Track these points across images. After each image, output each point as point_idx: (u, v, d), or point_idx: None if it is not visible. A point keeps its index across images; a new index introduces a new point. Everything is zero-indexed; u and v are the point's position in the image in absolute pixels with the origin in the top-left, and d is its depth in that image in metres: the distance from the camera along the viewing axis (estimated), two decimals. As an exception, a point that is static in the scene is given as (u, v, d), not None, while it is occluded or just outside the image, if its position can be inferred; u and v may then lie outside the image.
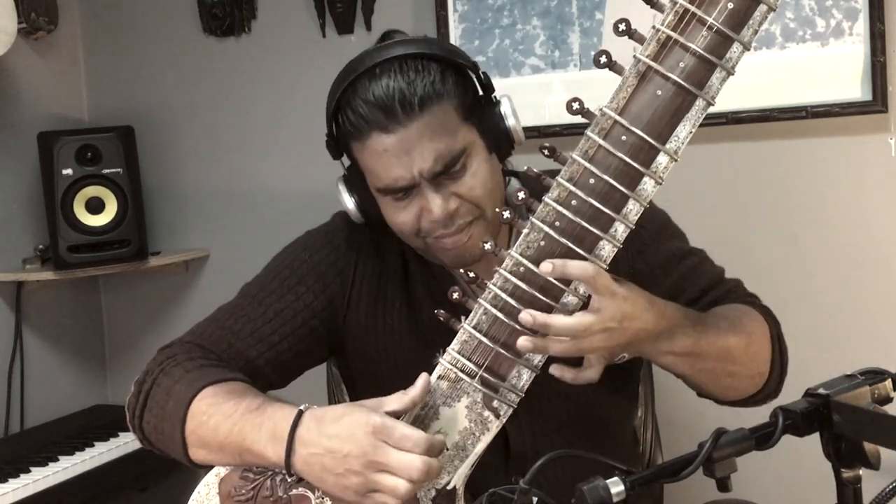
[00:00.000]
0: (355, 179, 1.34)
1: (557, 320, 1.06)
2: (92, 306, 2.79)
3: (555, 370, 1.13)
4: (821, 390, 0.88)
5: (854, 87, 1.98)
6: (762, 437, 0.86)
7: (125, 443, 2.28)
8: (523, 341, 1.08)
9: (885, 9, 1.94)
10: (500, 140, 1.30)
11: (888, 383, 0.90)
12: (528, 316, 1.07)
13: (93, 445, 2.27)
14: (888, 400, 0.90)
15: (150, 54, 2.68)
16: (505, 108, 1.30)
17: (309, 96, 2.48)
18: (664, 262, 1.37)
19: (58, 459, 2.18)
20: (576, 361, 1.15)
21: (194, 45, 2.61)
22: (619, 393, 1.44)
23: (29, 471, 2.11)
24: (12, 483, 2.05)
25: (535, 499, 0.89)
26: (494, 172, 1.31)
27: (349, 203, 1.35)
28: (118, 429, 2.34)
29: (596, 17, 2.17)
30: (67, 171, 2.39)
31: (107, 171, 2.43)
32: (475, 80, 1.31)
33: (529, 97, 2.22)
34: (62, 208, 2.39)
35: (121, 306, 2.80)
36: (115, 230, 2.44)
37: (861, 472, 0.87)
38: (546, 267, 1.06)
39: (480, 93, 1.32)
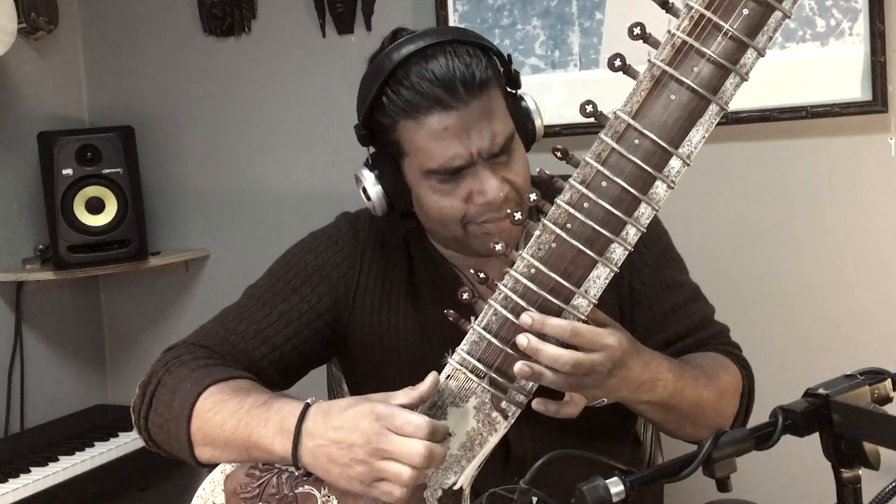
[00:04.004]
0: (384, 167, 1.31)
1: (550, 349, 1.07)
2: (92, 306, 2.79)
3: (537, 405, 1.13)
4: (821, 390, 0.88)
5: (854, 87, 1.98)
6: (762, 437, 0.86)
7: (125, 443, 2.28)
8: (521, 366, 1.08)
9: (885, 9, 1.94)
10: (527, 134, 1.32)
11: (888, 383, 0.90)
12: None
13: (93, 445, 2.27)
14: (888, 400, 0.90)
15: (150, 54, 2.68)
16: (530, 104, 1.32)
17: (309, 96, 2.49)
18: (658, 289, 1.38)
19: (58, 459, 2.18)
20: (558, 395, 1.15)
21: (194, 45, 2.61)
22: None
23: (29, 471, 2.11)
24: (12, 483, 2.05)
25: (534, 499, 0.89)
26: (527, 163, 1.32)
27: (374, 190, 1.31)
28: (118, 429, 2.34)
29: (596, 17, 2.17)
30: (67, 171, 2.40)
31: (107, 171, 2.43)
32: (508, 73, 1.32)
33: (529, 97, 2.22)
34: (62, 208, 2.39)
35: (121, 306, 2.80)
36: (115, 230, 2.44)
37: (861, 472, 0.87)
38: (525, 319, 1.07)
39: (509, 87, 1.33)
